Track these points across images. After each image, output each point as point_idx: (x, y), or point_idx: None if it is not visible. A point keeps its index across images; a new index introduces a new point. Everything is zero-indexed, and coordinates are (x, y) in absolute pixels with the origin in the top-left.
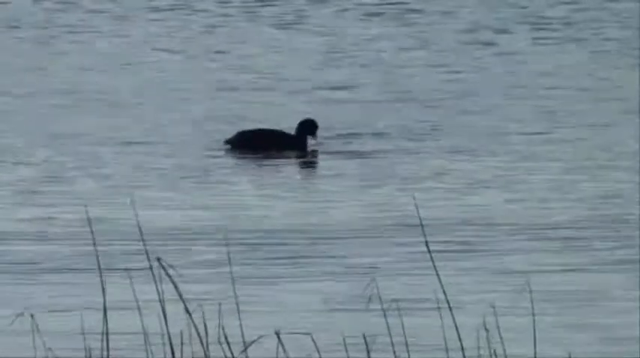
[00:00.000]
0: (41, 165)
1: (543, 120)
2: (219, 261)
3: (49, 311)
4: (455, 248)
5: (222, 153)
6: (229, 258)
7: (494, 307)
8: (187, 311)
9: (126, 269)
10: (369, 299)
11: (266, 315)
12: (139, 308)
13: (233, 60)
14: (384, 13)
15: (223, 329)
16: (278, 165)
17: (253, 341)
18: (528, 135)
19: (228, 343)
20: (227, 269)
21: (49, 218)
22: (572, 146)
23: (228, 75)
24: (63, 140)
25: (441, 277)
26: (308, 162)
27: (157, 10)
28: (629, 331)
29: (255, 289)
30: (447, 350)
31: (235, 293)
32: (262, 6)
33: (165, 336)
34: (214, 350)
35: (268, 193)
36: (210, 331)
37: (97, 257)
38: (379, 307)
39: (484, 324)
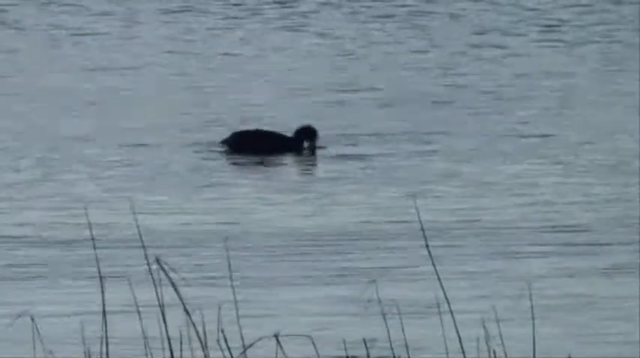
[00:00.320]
0: (41, 168)
1: (550, 123)
2: (218, 264)
3: (49, 316)
4: (456, 251)
5: (217, 154)
6: (229, 262)
7: (495, 311)
8: (186, 311)
9: (125, 273)
10: (368, 302)
11: (265, 318)
12: (138, 313)
13: (238, 62)
14: (393, 15)
15: (223, 331)
16: (277, 167)
17: (253, 343)
18: (535, 138)
19: (227, 345)
20: (226, 272)
21: (49, 222)
22: (579, 149)
23: (233, 76)
24: (63, 142)
25: (442, 281)
26: (308, 164)
27: (164, 12)
28: (631, 336)
29: (255, 292)
30: (447, 353)
31: (235, 296)
32: (270, 8)
33: (165, 341)
34: (214, 352)
35: (268, 196)
36: (209, 334)
37: (97, 260)
38: (379, 310)
39: (484, 328)
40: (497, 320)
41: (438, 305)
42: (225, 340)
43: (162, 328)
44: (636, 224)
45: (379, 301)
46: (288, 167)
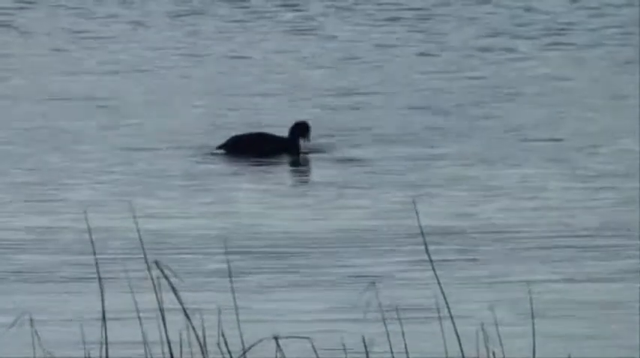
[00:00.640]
0: (41, 172)
1: (557, 127)
2: (217, 268)
3: (49, 320)
4: (456, 256)
5: (217, 158)
6: (229, 266)
7: (495, 315)
8: (186, 315)
9: (125, 277)
10: (367, 304)
11: (265, 323)
12: (138, 317)
13: (244, 65)
14: (400, 18)
15: (223, 334)
16: (277, 170)
17: (253, 345)
18: (541, 142)
19: (227, 348)
20: (225, 276)
21: (48, 226)
22: (585, 153)
23: (238, 80)
24: (63, 146)
25: (442, 285)
26: (308, 168)
27: (171, 15)
28: (632, 341)
29: (254, 296)
30: (446, 356)
31: (235, 300)
32: (277, 12)
33: (165, 345)
34: (213, 355)
35: (268, 200)
36: (209, 338)
37: (97, 264)
38: (379, 314)
39: (484, 332)
40: (497, 324)
41: (438, 309)
42: (226, 343)
43: (162, 332)
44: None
45: (379, 304)
46: (289, 171)
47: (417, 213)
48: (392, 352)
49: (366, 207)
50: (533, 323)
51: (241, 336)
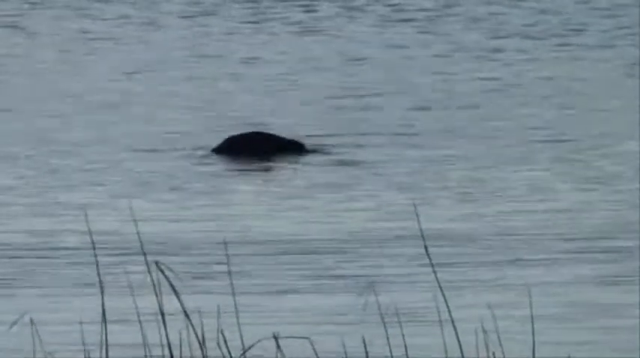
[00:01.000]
0: (41, 174)
1: (566, 127)
2: (217, 269)
3: (49, 322)
4: (456, 258)
5: (217, 160)
6: (229, 267)
7: (495, 318)
8: (187, 316)
9: (126, 279)
10: (367, 306)
11: (265, 324)
12: (139, 321)
13: (253, 66)
14: (412, 19)
15: (223, 333)
16: (278, 172)
17: (253, 345)
18: (547, 143)
19: (227, 347)
20: (225, 277)
21: (48, 228)
22: (591, 154)
23: (241, 80)
24: (64, 148)
25: (443, 288)
26: (308, 169)
27: (177, 15)
28: (633, 344)
29: (254, 296)
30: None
31: (235, 301)
32: (283, 12)
33: (165, 347)
34: (214, 355)
35: (268, 201)
36: (208, 341)
37: (97, 266)
38: (379, 316)
39: (484, 334)
40: (497, 327)
41: (439, 312)
42: (225, 342)
43: (163, 333)
44: None
45: (379, 306)
46: (289, 172)
47: (417, 215)
48: (392, 354)
49: (368, 209)
50: (532, 326)
51: (241, 336)
